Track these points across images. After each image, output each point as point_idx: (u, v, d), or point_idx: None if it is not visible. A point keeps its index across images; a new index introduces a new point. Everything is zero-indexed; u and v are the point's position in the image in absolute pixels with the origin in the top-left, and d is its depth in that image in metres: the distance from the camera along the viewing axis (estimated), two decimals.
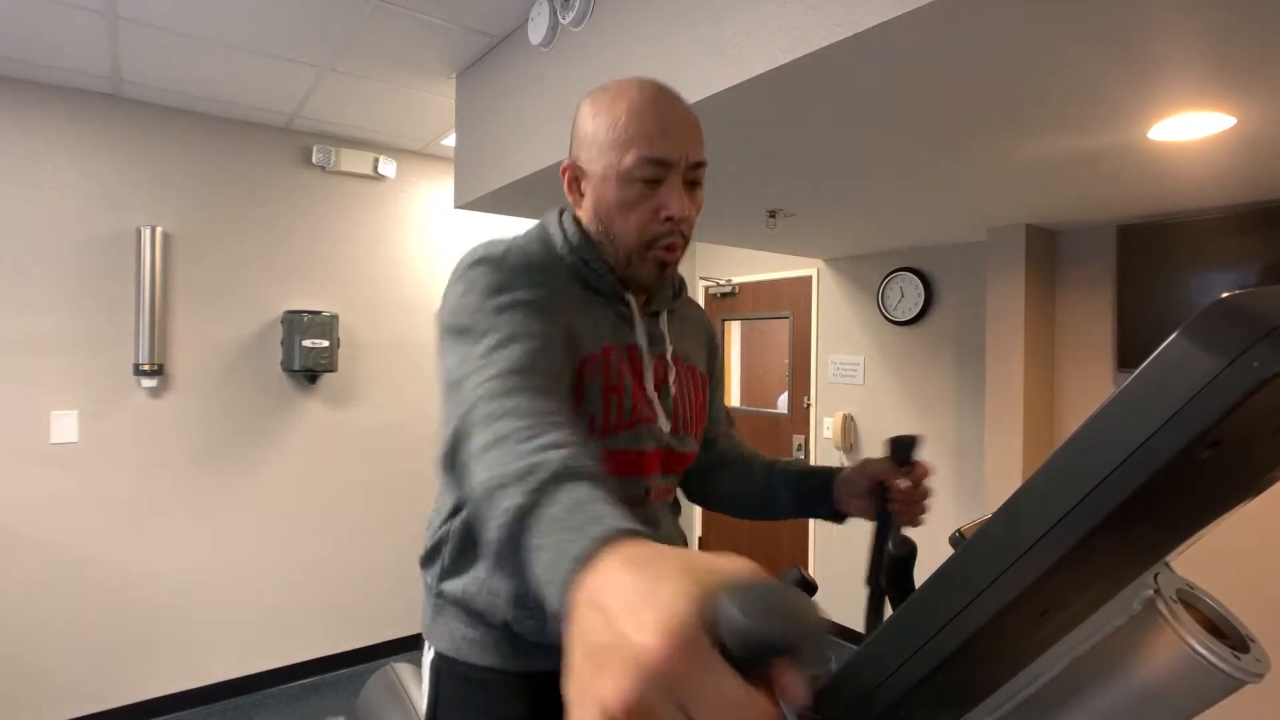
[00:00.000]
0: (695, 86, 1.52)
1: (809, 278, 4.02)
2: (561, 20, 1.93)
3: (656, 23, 1.66)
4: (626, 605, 0.33)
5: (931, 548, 1.07)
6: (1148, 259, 2.66)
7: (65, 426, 2.71)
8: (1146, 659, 0.54)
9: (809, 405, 3.99)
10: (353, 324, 3.36)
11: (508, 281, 0.78)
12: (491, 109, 2.39)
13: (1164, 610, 0.54)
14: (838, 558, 3.78)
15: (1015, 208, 2.56)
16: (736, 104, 1.54)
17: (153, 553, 2.89)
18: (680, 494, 1.07)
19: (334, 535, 3.34)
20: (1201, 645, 0.52)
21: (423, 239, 3.59)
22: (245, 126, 3.10)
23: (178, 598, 2.94)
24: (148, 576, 2.88)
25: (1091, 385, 2.87)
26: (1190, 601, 0.58)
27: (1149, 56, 1.27)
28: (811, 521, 3.92)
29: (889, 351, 3.63)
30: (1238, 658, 0.52)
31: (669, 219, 0.83)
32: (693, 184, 0.85)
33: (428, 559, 0.95)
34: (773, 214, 2.73)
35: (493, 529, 0.51)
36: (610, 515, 0.44)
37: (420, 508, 3.43)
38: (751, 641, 0.30)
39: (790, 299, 4.14)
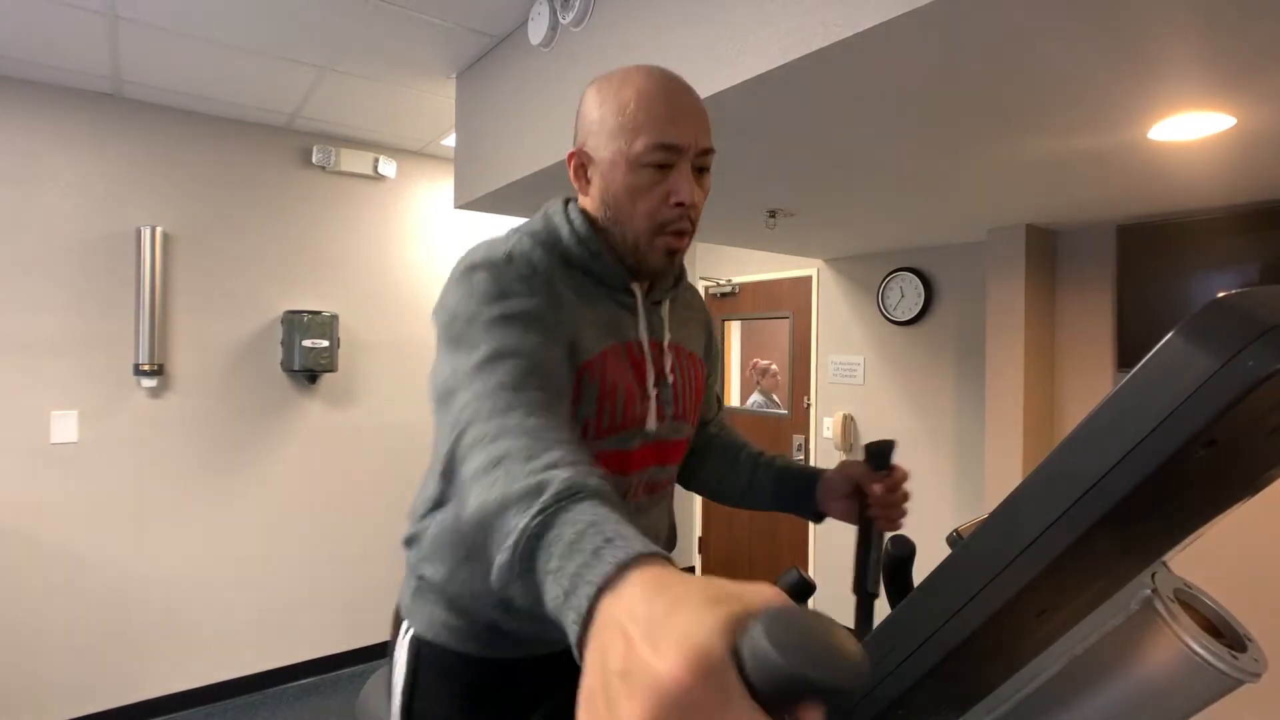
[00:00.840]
0: (695, 86, 1.51)
1: (809, 278, 4.02)
2: (561, 20, 1.93)
3: (656, 23, 1.66)
4: (648, 631, 0.31)
5: (930, 548, 1.07)
6: (1148, 259, 2.66)
7: (65, 426, 2.71)
8: (1144, 658, 0.54)
9: (809, 405, 3.99)
10: (353, 324, 3.36)
11: (506, 289, 0.76)
12: (491, 109, 2.39)
13: (1161, 610, 0.54)
14: (838, 558, 3.78)
15: (1015, 208, 2.56)
16: (736, 104, 1.54)
17: (153, 553, 2.89)
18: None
19: (334, 535, 3.34)
20: (1199, 645, 0.52)
21: (423, 239, 3.59)
22: (245, 126, 3.10)
23: (177, 597, 2.94)
24: (148, 576, 2.88)
25: (1091, 385, 2.87)
26: (1188, 601, 0.58)
27: (1149, 56, 1.27)
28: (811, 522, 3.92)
29: (889, 351, 3.63)
30: (1235, 657, 0.52)
31: (679, 204, 0.83)
32: (701, 170, 0.85)
33: (410, 542, 0.95)
34: (773, 214, 2.73)
35: (501, 551, 0.48)
36: (627, 537, 0.42)
37: None
38: (784, 678, 0.28)
39: (790, 299, 4.14)
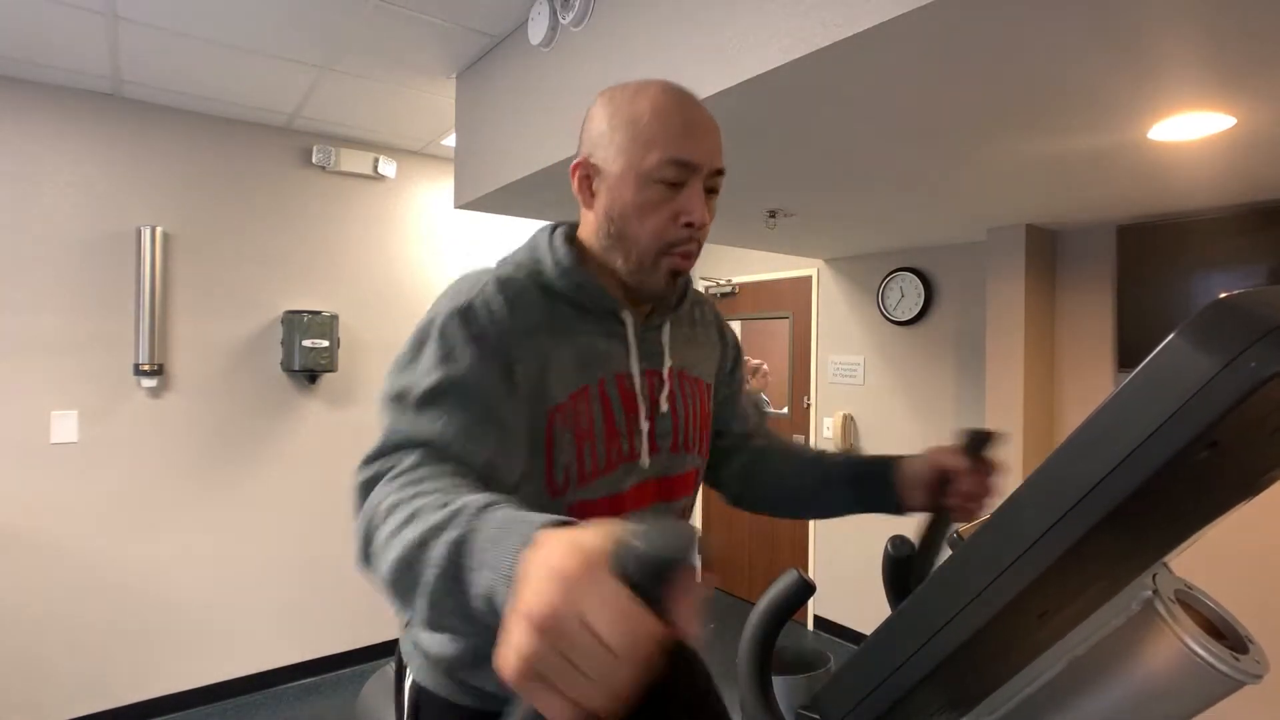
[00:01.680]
0: (695, 86, 1.52)
1: (809, 278, 4.02)
2: (561, 20, 1.93)
3: (656, 22, 1.66)
4: (556, 551, 0.40)
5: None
6: (1148, 259, 2.66)
7: (65, 426, 2.71)
8: (1145, 660, 0.54)
9: (809, 405, 3.99)
10: (353, 324, 3.36)
11: (448, 353, 0.73)
12: (491, 109, 2.39)
13: (1162, 611, 0.54)
14: (838, 559, 3.78)
15: (1015, 208, 2.56)
16: (737, 104, 1.54)
17: (153, 553, 2.89)
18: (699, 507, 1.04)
19: (334, 535, 3.34)
20: (1200, 646, 0.51)
21: (423, 239, 3.59)
22: (245, 126, 3.10)
23: (177, 597, 2.94)
24: (148, 576, 2.88)
25: (1091, 385, 2.87)
26: (1189, 602, 0.58)
27: (1149, 56, 1.27)
28: (811, 522, 3.92)
29: (889, 351, 3.63)
30: (1236, 658, 0.52)
31: (688, 224, 0.79)
32: (710, 191, 0.82)
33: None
34: (773, 214, 2.73)
35: (428, 576, 0.52)
36: (542, 517, 0.48)
37: None
38: (641, 559, 0.38)
39: (790, 299, 4.14)
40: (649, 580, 0.38)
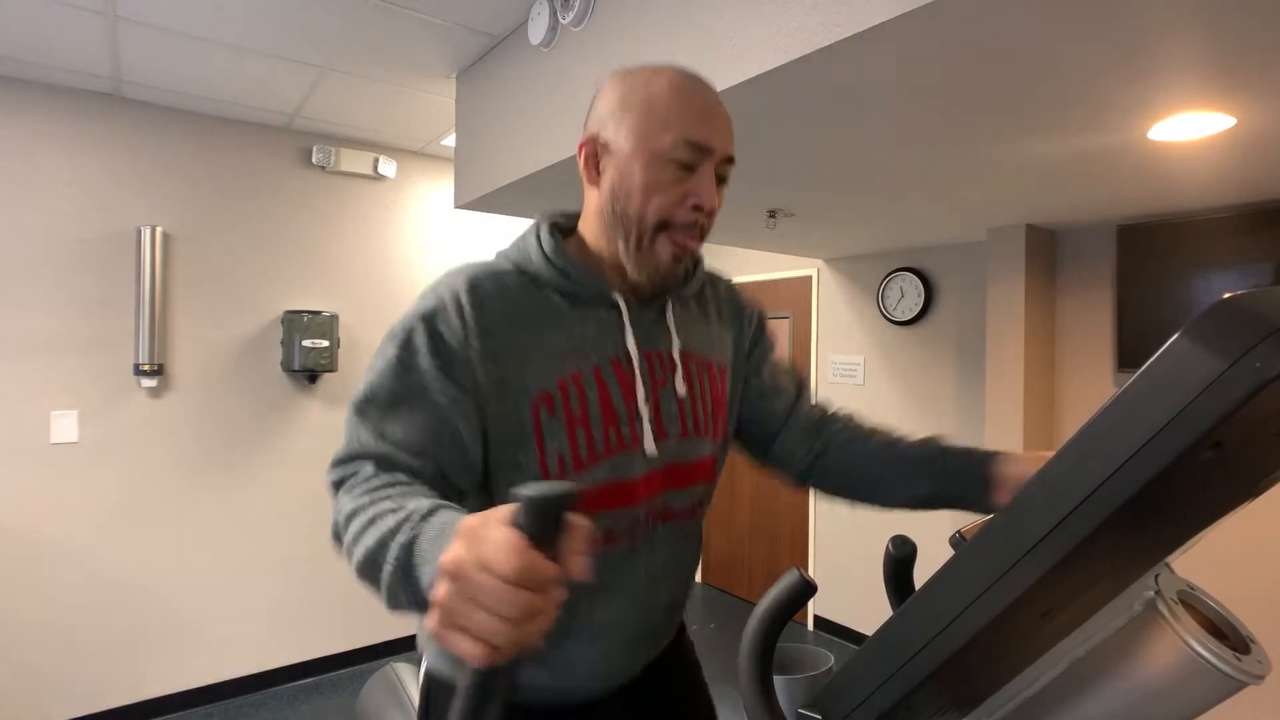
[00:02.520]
0: None
1: (809, 278, 4.02)
2: (561, 20, 1.93)
3: (656, 22, 1.66)
4: (467, 522, 0.48)
5: (932, 548, 1.07)
6: (1148, 259, 2.66)
7: (65, 426, 2.71)
8: (1147, 660, 0.54)
9: None
10: (353, 324, 3.36)
11: (415, 359, 0.75)
12: (491, 109, 2.39)
13: (1165, 611, 0.54)
14: (839, 559, 3.78)
15: (1015, 208, 2.56)
16: (737, 104, 1.54)
17: (152, 553, 2.88)
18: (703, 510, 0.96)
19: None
20: (1202, 646, 0.51)
21: (423, 239, 3.59)
22: (245, 126, 3.10)
23: (177, 597, 2.94)
24: (147, 576, 2.87)
25: (1091, 385, 2.87)
26: (1191, 602, 0.58)
27: (1149, 56, 1.27)
28: (811, 522, 3.92)
29: (889, 351, 3.63)
30: (1238, 659, 0.52)
31: (697, 207, 0.79)
32: (720, 179, 0.82)
33: None
34: (773, 214, 2.73)
35: (385, 573, 0.59)
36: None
37: None
38: (526, 504, 0.43)
39: (790, 299, 4.14)
40: (536, 521, 0.43)
